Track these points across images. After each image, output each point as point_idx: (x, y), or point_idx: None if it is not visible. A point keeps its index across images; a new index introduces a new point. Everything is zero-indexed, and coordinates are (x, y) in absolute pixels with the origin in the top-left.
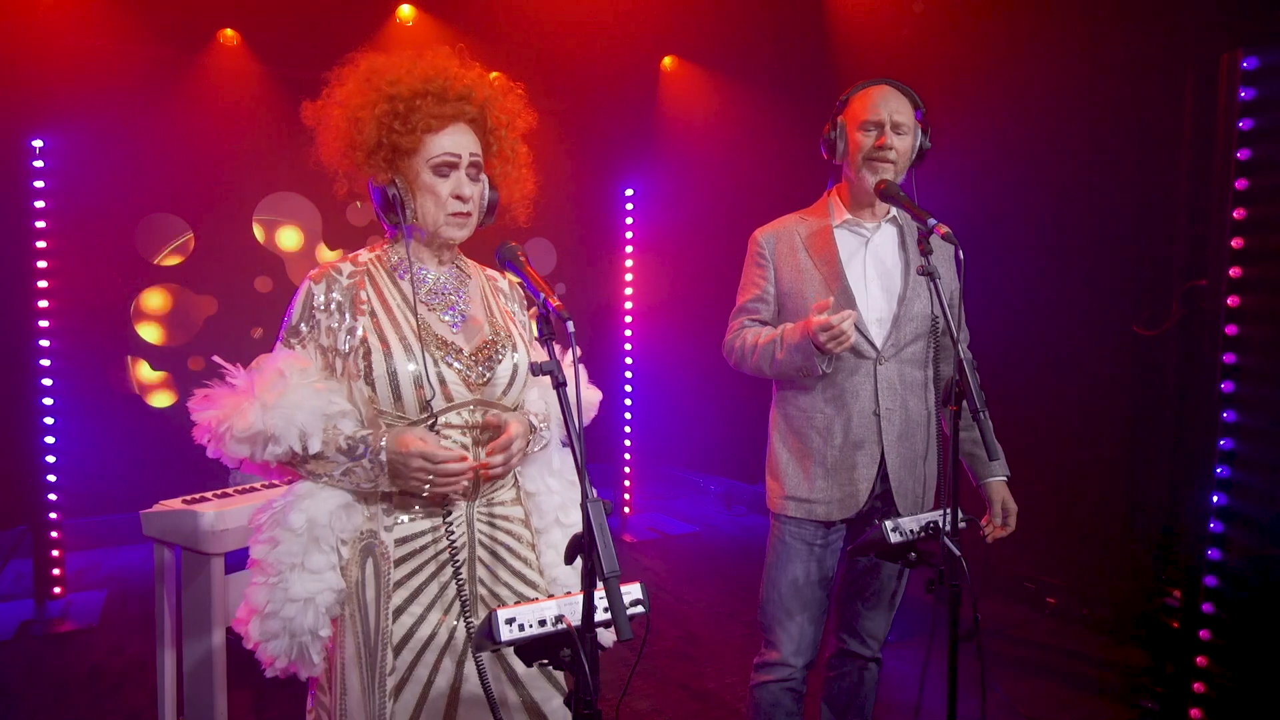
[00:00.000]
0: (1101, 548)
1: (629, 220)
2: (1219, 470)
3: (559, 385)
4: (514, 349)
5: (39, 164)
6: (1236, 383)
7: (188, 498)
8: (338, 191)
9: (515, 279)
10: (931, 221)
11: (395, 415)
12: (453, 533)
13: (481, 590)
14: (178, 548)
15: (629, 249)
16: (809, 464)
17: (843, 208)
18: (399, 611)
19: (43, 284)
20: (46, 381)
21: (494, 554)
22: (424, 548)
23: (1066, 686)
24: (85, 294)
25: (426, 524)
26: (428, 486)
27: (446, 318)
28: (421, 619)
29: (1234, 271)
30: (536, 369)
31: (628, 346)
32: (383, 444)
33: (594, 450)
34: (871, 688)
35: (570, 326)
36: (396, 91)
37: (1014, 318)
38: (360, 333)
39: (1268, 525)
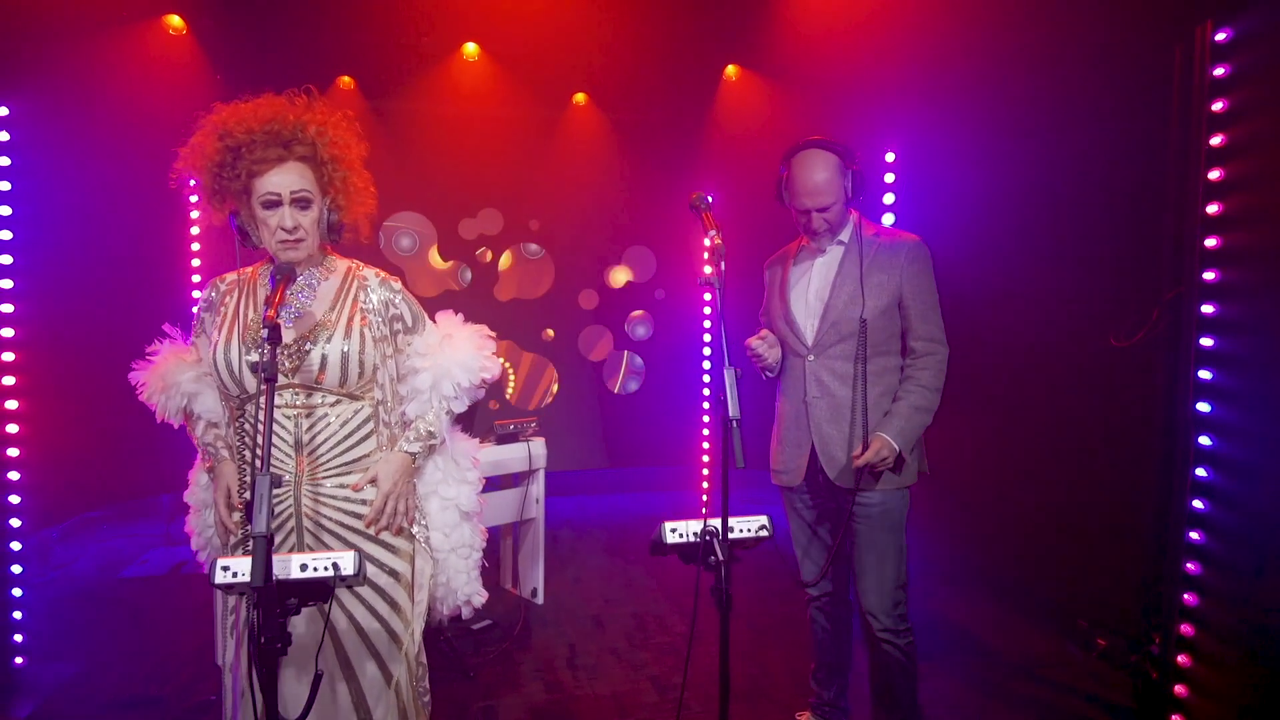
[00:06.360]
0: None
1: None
2: (1192, 503)
3: (265, 381)
4: (329, 340)
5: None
6: (1213, 402)
7: None
8: (208, 220)
9: (380, 276)
10: (712, 233)
11: (228, 394)
12: (274, 506)
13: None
14: None
15: (706, 255)
16: (775, 442)
17: (804, 238)
18: None
19: None
20: None
21: (319, 524)
22: None
23: None
24: None
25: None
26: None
27: (282, 315)
28: None
29: (1208, 275)
30: (252, 366)
31: (706, 351)
32: (220, 460)
33: (670, 453)
34: (899, 671)
35: (264, 333)
36: (225, 144)
37: (1032, 328)
38: (210, 329)
39: (1248, 566)
